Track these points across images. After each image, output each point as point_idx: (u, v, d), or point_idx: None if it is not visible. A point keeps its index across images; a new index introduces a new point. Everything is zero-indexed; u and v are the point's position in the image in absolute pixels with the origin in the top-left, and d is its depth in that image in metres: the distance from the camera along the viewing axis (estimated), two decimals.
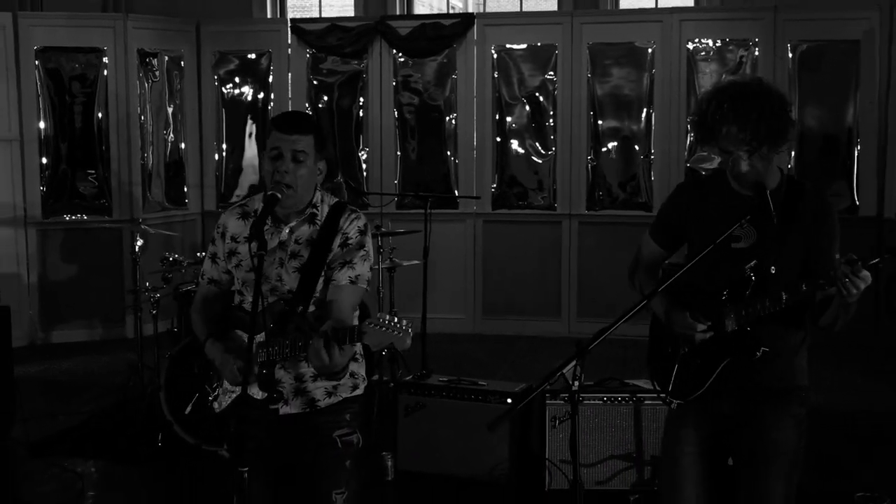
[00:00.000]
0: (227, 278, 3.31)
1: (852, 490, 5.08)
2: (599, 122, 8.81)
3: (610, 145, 8.82)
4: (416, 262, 6.71)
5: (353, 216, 3.21)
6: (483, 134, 8.99)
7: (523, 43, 8.93)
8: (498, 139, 9.01)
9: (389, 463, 5.25)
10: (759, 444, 3.25)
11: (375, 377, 6.09)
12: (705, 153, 8.20)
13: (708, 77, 8.61)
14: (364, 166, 9.22)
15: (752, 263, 3.13)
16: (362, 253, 3.18)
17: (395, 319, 2.78)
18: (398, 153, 9.14)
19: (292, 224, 3.19)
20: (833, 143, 8.58)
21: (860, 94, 8.44)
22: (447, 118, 9.06)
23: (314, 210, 3.20)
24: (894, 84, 8.32)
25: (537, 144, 8.95)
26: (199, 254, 6.54)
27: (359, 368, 3.29)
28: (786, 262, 3.17)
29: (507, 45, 8.93)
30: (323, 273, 3.14)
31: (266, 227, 3.11)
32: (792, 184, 3.25)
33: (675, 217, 3.40)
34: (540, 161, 8.96)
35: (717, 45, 8.62)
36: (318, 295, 3.14)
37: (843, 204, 8.46)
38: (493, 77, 8.94)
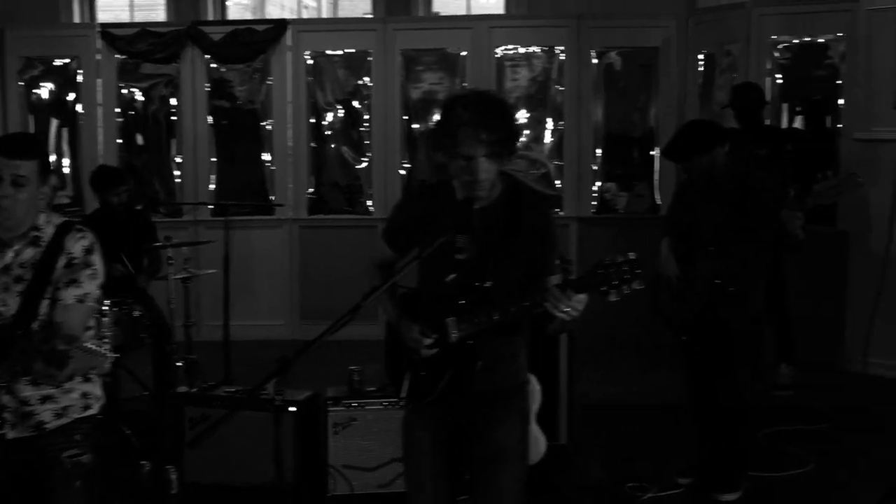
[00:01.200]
0: None
1: (624, 481, 5.33)
2: (413, 126, 8.93)
3: (421, 149, 8.96)
4: (213, 271, 6.69)
5: (80, 235, 3.21)
6: (298, 139, 9.00)
7: (338, 49, 8.99)
8: (313, 144, 9.04)
9: (174, 476, 5.24)
10: (489, 443, 3.39)
11: (184, 388, 6.05)
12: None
13: (518, 83, 8.84)
14: (178, 173, 9.13)
15: (450, 277, 3.24)
16: (89, 272, 3.18)
17: (99, 344, 2.80)
18: (213, 159, 9.08)
19: (16, 248, 3.17)
20: (635, 146, 8.92)
21: (659, 99, 8.79)
22: (262, 123, 9.05)
23: (37, 233, 3.19)
24: (691, 89, 8.68)
25: (353, 149, 9.03)
26: None
27: (93, 388, 3.29)
28: (504, 274, 3.26)
29: (321, 51, 8.98)
30: (48, 294, 3.13)
31: None
32: (514, 193, 3.34)
33: (406, 223, 3.44)
34: (356, 166, 9.04)
35: (526, 51, 8.85)
36: (43, 317, 3.13)
37: (645, 205, 8.81)
38: (308, 82, 8.97)
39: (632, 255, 2.99)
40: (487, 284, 3.23)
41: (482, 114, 3.16)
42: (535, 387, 5.09)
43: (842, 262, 7.67)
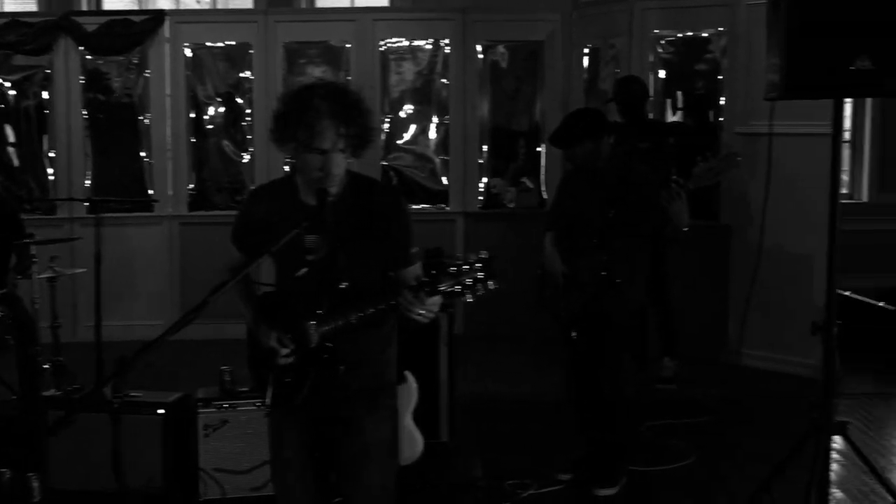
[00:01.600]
0: None
1: (504, 478, 5.26)
2: None
3: None
4: (82, 270, 6.44)
5: None
6: (178, 134, 8.74)
7: (218, 41, 8.76)
8: (194, 139, 8.79)
9: (35, 484, 4.98)
10: (356, 442, 3.28)
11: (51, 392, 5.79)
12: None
13: (402, 76, 8.73)
14: (51, 170, 8.78)
15: (301, 272, 3.10)
16: None
17: None
18: (87, 154, 8.76)
19: None
20: (522, 140, 8.88)
21: (545, 93, 8.76)
22: (140, 117, 8.76)
23: None
24: (576, 83, 8.67)
25: (235, 144, 8.80)
26: None
27: None
28: (360, 272, 3.14)
29: (201, 43, 8.73)
30: None
31: None
32: (360, 185, 3.22)
33: (251, 224, 3.31)
34: (238, 160, 8.81)
35: (411, 45, 8.74)
36: None
37: (532, 199, 8.78)
38: (187, 76, 8.72)
39: (484, 254, 2.89)
40: (343, 286, 3.10)
41: (343, 106, 3.04)
42: (411, 384, 5.01)
43: (724, 256, 7.74)
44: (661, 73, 8.08)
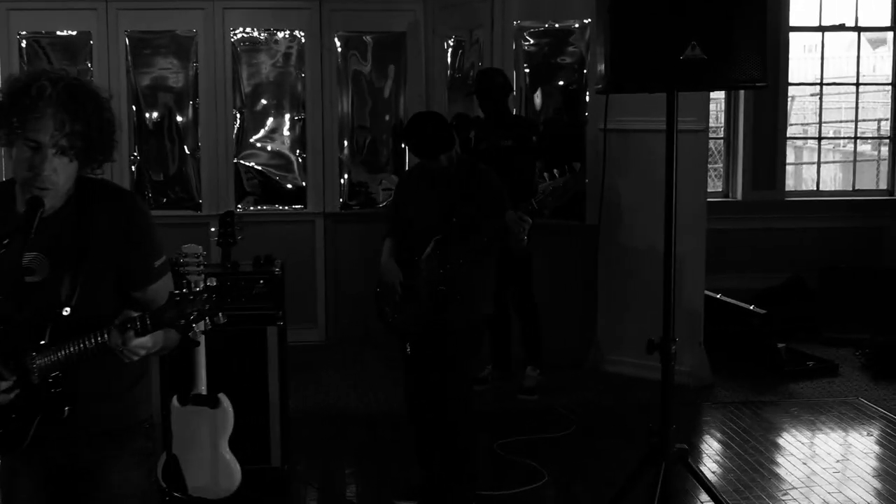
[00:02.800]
0: None
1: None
2: (146, 115, 8.16)
3: (152, 140, 8.19)
4: None
5: None
6: None
7: (55, 30, 8.11)
8: None
9: None
10: (103, 489, 2.78)
11: None
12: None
13: (256, 69, 8.20)
14: None
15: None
16: None
17: None
18: None
19: None
20: (384, 136, 8.43)
21: (408, 87, 8.32)
22: None
23: None
24: (439, 77, 8.26)
25: None
26: None
27: None
28: (88, 297, 2.62)
29: (37, 32, 8.07)
30: None
31: None
32: (87, 192, 2.69)
33: None
34: None
35: (264, 35, 8.21)
36: None
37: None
38: (22, 69, 8.05)
39: (212, 282, 2.45)
40: (65, 312, 2.58)
41: (73, 98, 2.52)
42: (226, 408, 4.53)
43: (591, 257, 7.39)
44: (526, 67, 7.69)
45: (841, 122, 11.09)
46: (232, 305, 2.46)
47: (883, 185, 9.44)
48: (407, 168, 8.03)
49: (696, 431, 6.15)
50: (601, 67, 3.53)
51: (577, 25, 7.47)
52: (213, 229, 5.33)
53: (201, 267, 4.21)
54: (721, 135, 9.24)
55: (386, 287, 4.78)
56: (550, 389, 6.79)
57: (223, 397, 4.50)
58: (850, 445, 5.85)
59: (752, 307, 7.46)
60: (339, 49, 8.25)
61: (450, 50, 8.20)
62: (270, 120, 8.29)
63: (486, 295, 4.79)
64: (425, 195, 4.71)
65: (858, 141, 9.72)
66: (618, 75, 3.42)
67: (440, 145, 4.58)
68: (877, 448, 5.85)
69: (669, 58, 3.30)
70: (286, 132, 8.29)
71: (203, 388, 4.47)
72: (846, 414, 6.36)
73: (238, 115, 8.18)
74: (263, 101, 8.26)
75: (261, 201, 8.28)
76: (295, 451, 5.31)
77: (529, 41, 7.67)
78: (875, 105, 10.20)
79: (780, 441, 5.91)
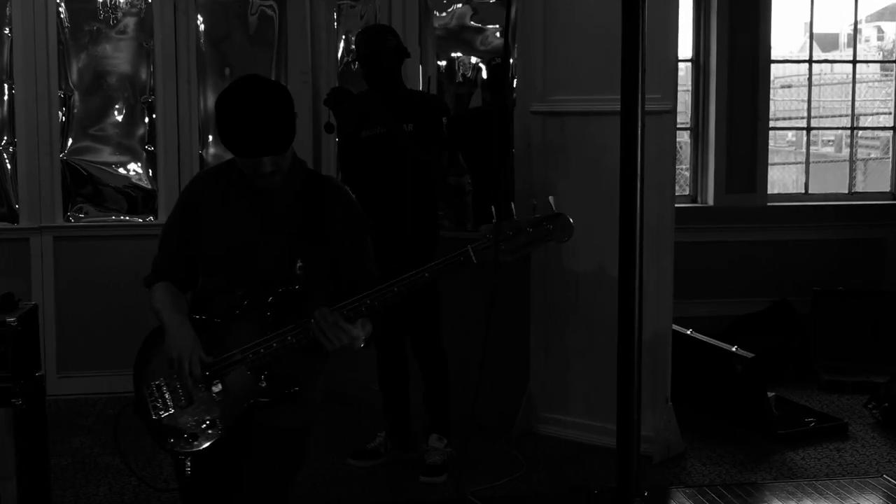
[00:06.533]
0: None
1: None
2: None
3: None
4: None
5: None
6: None
7: None
8: None
9: None
10: None
11: None
12: None
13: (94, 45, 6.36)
14: None
15: None
16: None
17: None
18: None
19: None
20: None
21: (290, 66, 6.49)
22: None
23: None
24: (330, 52, 6.45)
25: None
26: None
27: None
28: None
29: None
30: None
31: None
32: None
33: None
34: None
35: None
36: None
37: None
38: None
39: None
40: None
41: None
42: None
43: (522, 286, 5.60)
44: (438, 31, 5.95)
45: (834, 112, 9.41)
46: None
47: (885, 188, 7.79)
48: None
49: None
50: None
51: None
52: None
53: None
54: (688, 123, 7.47)
55: (165, 366, 2.87)
56: (465, 466, 5.00)
57: None
58: None
59: (734, 348, 5.68)
60: (201, 23, 6.42)
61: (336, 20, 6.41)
62: (116, 108, 6.42)
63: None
64: (247, 221, 2.86)
65: (856, 134, 8.09)
66: None
67: (282, 137, 2.73)
68: None
69: None
70: (131, 122, 6.43)
71: None
72: (870, 502, 4.62)
73: (65, 99, 6.31)
74: (100, 82, 6.39)
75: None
76: None
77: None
78: (874, 85, 8.56)
79: None
